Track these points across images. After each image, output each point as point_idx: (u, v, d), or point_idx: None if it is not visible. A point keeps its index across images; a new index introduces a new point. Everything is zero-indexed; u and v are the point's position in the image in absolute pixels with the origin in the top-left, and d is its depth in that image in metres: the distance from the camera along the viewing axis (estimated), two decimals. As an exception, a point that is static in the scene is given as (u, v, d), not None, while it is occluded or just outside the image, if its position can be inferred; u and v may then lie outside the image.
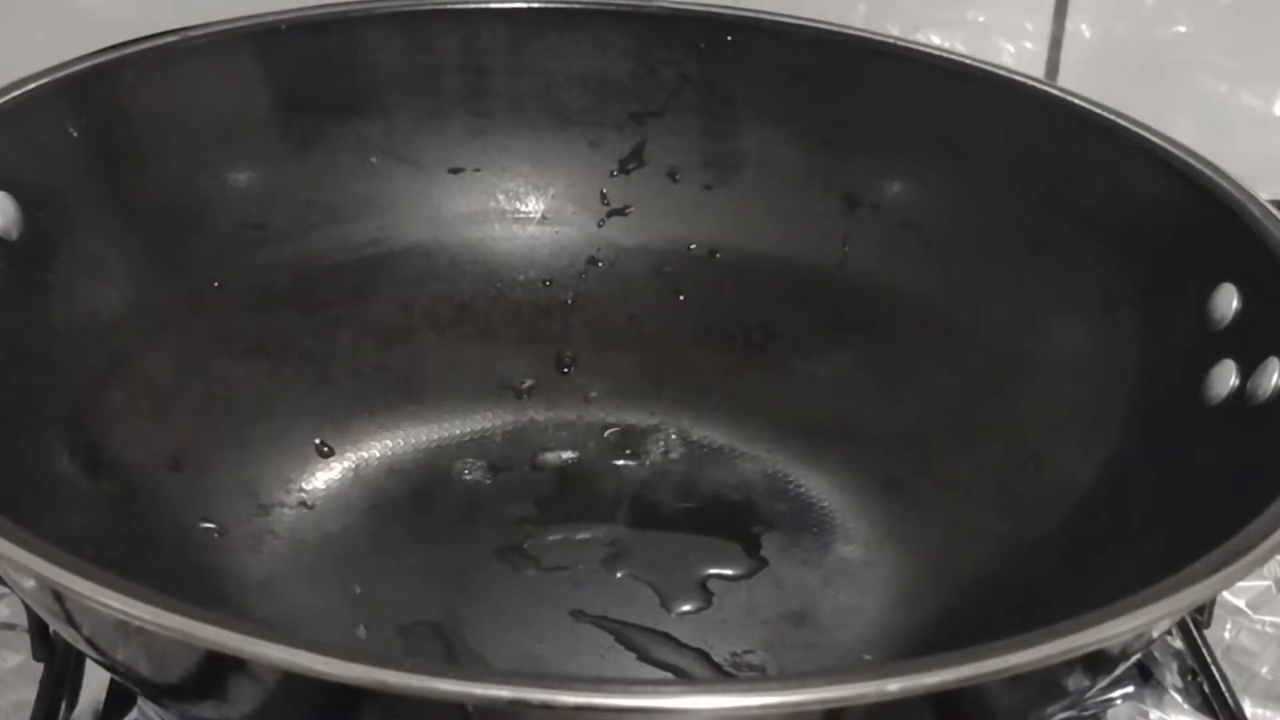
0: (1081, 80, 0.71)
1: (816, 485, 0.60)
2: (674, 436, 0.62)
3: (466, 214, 0.66)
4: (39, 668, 0.51)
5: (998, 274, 0.61)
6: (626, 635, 0.53)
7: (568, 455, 0.62)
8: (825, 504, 0.59)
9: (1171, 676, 0.55)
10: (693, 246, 0.66)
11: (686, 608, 0.55)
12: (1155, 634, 0.44)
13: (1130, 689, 0.54)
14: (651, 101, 0.66)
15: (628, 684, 0.34)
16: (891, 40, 0.65)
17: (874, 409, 0.61)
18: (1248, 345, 0.50)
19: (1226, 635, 0.58)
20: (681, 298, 0.65)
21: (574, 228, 0.67)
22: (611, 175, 0.67)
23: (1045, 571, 0.52)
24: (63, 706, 0.50)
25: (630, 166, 0.67)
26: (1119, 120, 0.59)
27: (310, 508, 0.58)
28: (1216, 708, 0.53)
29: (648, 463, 0.62)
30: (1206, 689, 0.54)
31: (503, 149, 0.66)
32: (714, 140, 0.66)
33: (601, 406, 0.64)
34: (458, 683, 0.34)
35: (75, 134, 0.57)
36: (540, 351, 0.64)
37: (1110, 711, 0.53)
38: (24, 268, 0.53)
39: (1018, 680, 0.36)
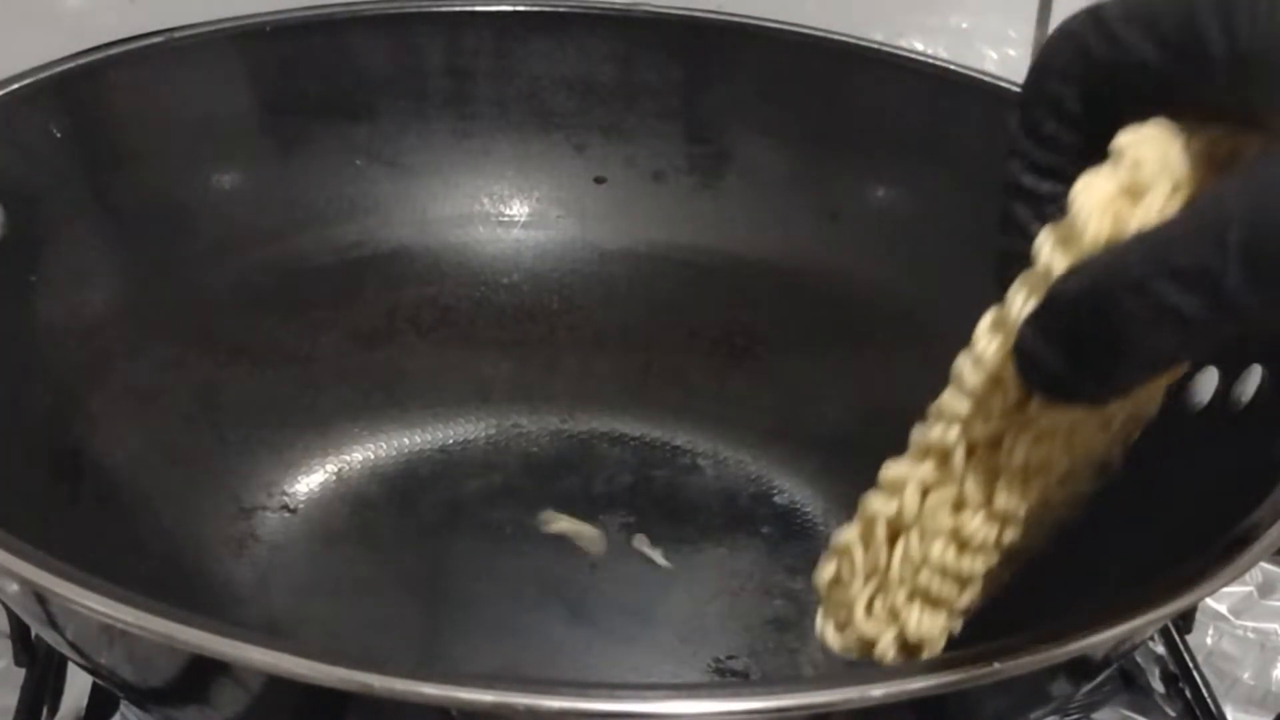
0: (1065, 86, 0.71)
1: (801, 491, 0.60)
2: (658, 442, 0.62)
3: (451, 217, 0.66)
4: (21, 673, 0.51)
5: (980, 279, 0.61)
6: (610, 640, 0.52)
7: (551, 460, 0.62)
8: (809, 509, 0.59)
9: (1154, 682, 0.55)
10: (677, 250, 0.66)
11: (670, 613, 0.55)
12: (1138, 641, 0.44)
13: (1113, 694, 0.54)
14: (636, 105, 0.66)
15: (612, 688, 0.34)
16: (876, 46, 0.65)
17: (859, 414, 0.61)
18: (1231, 351, 0.50)
19: (1208, 640, 0.58)
20: (666, 302, 0.65)
21: (558, 231, 0.67)
22: (596, 179, 0.67)
23: (1028, 577, 0.52)
24: (44, 711, 0.50)
25: (615, 170, 0.67)
26: (1102, 127, 0.59)
27: (293, 511, 0.58)
28: (1199, 713, 0.53)
29: (632, 468, 0.62)
30: (1188, 694, 0.54)
31: (487, 152, 0.66)
32: (699, 144, 0.66)
33: (585, 410, 0.64)
34: (442, 687, 0.34)
35: (59, 135, 0.57)
36: (524, 355, 0.64)
37: (1093, 716, 0.53)
38: (7, 269, 0.53)
39: (1001, 686, 0.36)
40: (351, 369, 0.62)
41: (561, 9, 0.66)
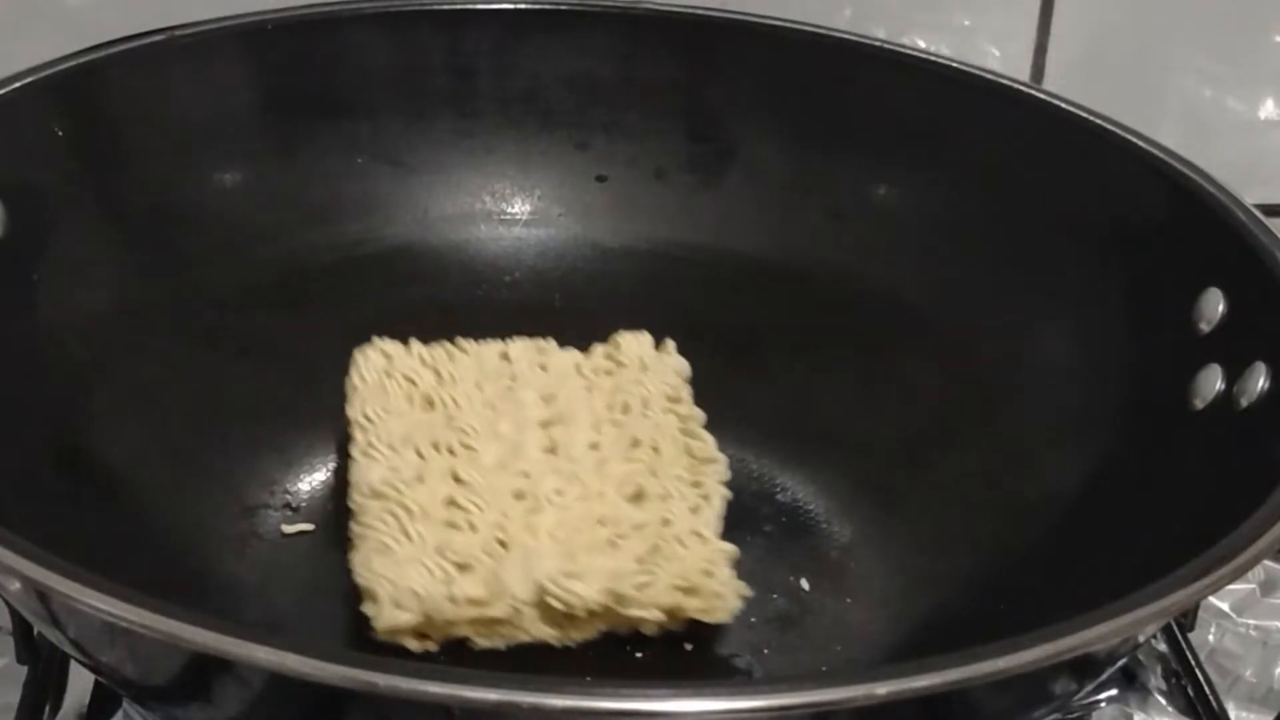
0: (1067, 84, 0.71)
1: (803, 488, 0.59)
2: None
3: (452, 215, 0.66)
4: (23, 671, 0.51)
5: (984, 277, 0.61)
6: (613, 638, 0.52)
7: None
8: (811, 507, 0.59)
9: (1155, 679, 0.55)
10: (679, 248, 0.66)
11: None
12: (1141, 638, 0.44)
13: (1115, 692, 0.54)
14: (638, 103, 0.66)
15: (616, 686, 0.34)
16: (878, 44, 0.66)
17: (860, 412, 0.61)
18: (1233, 350, 0.50)
19: (1210, 638, 0.58)
20: (667, 300, 0.65)
21: (560, 229, 0.67)
22: (598, 177, 0.67)
23: (1032, 575, 0.52)
24: (47, 709, 0.50)
25: (617, 168, 0.67)
26: (1105, 124, 0.59)
27: (295, 510, 0.58)
28: (1200, 711, 0.53)
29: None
30: (1190, 692, 0.54)
31: (489, 150, 0.66)
32: (700, 142, 0.66)
33: (587, 408, 0.63)
34: (445, 685, 0.34)
35: (61, 133, 0.57)
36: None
37: (1095, 714, 0.54)
38: (9, 268, 0.53)
39: (1005, 684, 0.36)
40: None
41: (563, 6, 0.66)
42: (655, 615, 0.50)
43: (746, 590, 0.52)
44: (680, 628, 0.51)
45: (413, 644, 0.49)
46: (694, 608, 0.50)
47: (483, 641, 0.50)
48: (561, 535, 0.51)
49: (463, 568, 0.50)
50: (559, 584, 0.49)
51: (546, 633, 0.50)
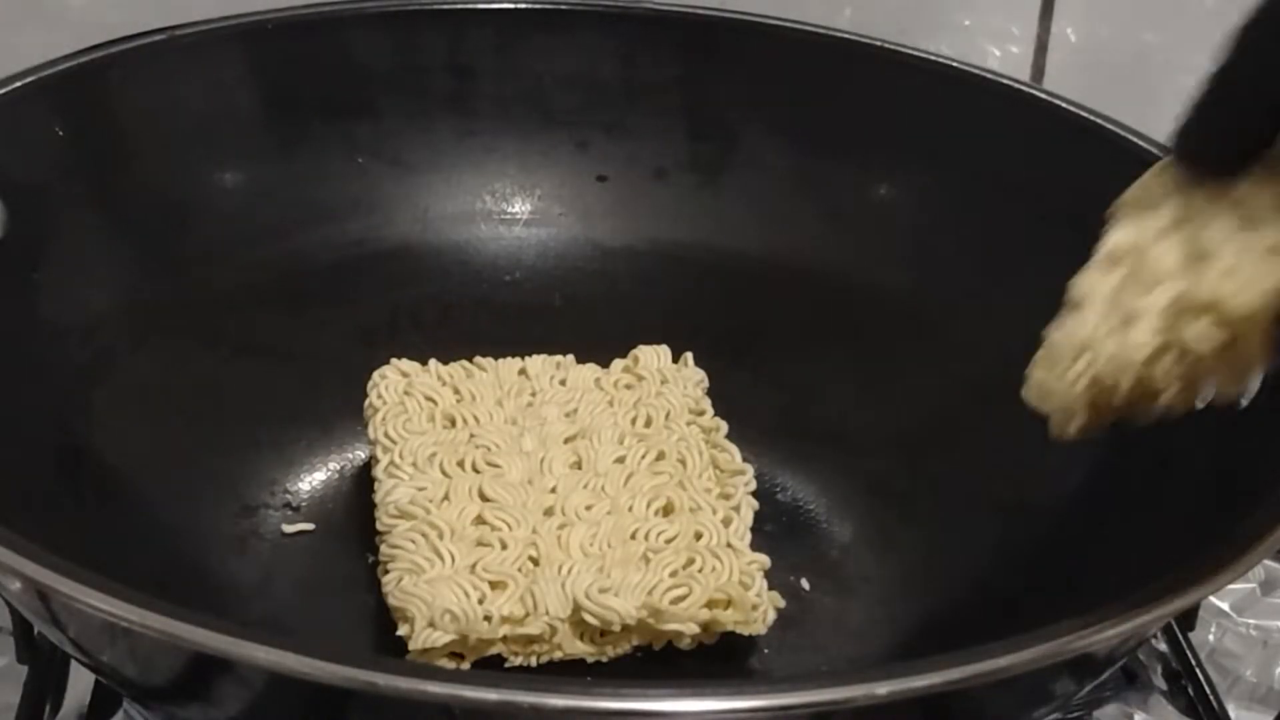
0: (1067, 84, 0.71)
1: (804, 488, 0.60)
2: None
3: (453, 214, 0.66)
4: (23, 670, 0.51)
5: (984, 277, 0.61)
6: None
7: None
8: (812, 507, 0.59)
9: (1156, 679, 0.55)
10: (679, 248, 0.66)
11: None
12: (1141, 639, 0.44)
13: (1116, 691, 0.54)
14: (638, 103, 0.66)
15: (616, 686, 0.34)
16: (878, 44, 0.65)
17: (861, 411, 0.61)
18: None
19: (1211, 638, 0.58)
20: (667, 299, 0.65)
21: (560, 229, 0.67)
22: (598, 176, 0.67)
23: (1032, 575, 0.52)
24: (47, 709, 0.50)
25: (617, 167, 0.67)
26: (1105, 123, 0.59)
27: (295, 509, 0.58)
28: (1201, 710, 0.53)
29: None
30: (1191, 691, 0.54)
31: (489, 150, 0.66)
32: (701, 142, 0.66)
33: (587, 408, 0.64)
34: (446, 685, 0.34)
35: (61, 133, 0.57)
36: (526, 353, 0.64)
37: (1096, 714, 0.54)
38: (10, 267, 0.53)
39: (1006, 684, 0.36)
40: (354, 367, 0.61)
41: (563, 6, 0.66)
42: (692, 629, 0.50)
43: (780, 601, 0.52)
44: (714, 640, 0.51)
45: (446, 663, 0.49)
46: (731, 620, 0.50)
47: (515, 659, 0.50)
48: (594, 550, 0.52)
49: (496, 586, 0.50)
50: (595, 599, 0.49)
51: (581, 649, 0.50)
